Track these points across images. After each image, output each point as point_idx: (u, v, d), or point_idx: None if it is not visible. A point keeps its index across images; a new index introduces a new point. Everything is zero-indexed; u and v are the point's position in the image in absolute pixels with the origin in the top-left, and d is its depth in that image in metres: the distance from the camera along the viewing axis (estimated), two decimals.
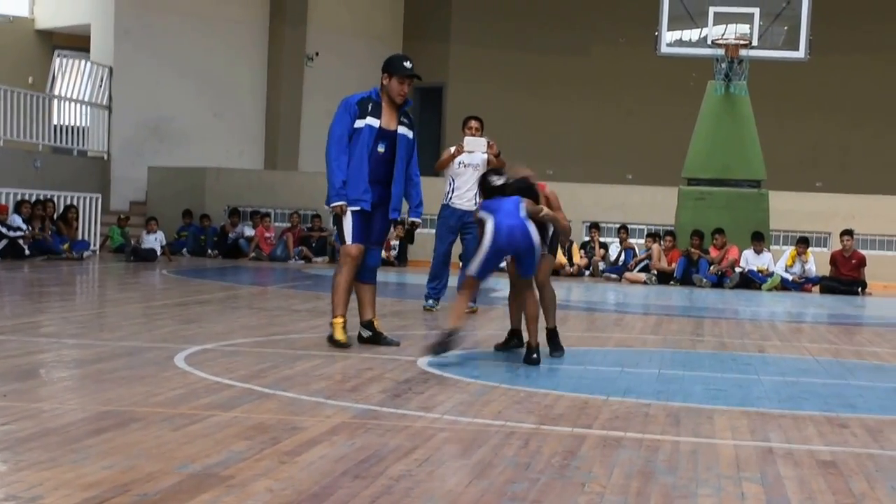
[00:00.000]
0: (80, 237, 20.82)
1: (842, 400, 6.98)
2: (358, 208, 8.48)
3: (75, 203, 21.30)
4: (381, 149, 8.52)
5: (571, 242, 21.84)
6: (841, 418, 6.24)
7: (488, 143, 11.69)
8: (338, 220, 8.56)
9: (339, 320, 8.49)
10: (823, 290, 19.83)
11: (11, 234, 18.82)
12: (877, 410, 6.67)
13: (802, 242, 20.47)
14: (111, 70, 25.06)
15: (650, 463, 4.91)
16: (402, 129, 8.64)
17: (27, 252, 18.90)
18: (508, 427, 5.55)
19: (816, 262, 20.49)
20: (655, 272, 20.53)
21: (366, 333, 8.76)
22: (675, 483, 4.57)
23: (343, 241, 8.60)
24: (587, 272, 21.67)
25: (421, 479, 4.42)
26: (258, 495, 4.07)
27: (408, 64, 8.60)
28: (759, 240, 20.39)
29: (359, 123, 8.46)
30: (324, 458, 4.69)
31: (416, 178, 8.82)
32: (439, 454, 4.91)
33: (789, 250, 20.65)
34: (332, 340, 8.49)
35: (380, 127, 8.51)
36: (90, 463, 4.43)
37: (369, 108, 8.49)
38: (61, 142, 24.24)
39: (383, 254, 21.97)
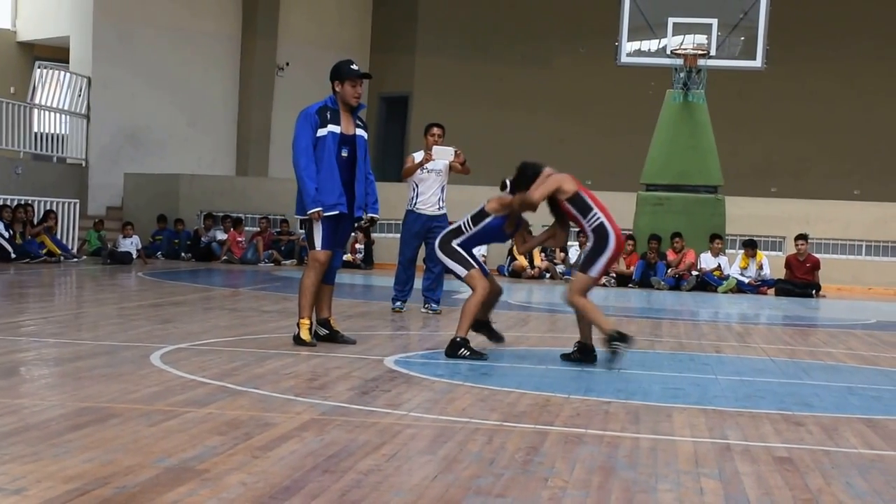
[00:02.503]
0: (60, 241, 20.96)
1: (797, 399, 7.10)
2: (335, 213, 8.68)
3: (54, 208, 21.44)
4: (344, 153, 8.74)
5: None
6: (797, 416, 6.35)
7: (455, 151, 11.81)
8: (308, 227, 8.75)
9: (306, 322, 8.70)
10: (778, 293, 20.07)
11: None
12: (832, 409, 6.78)
13: (749, 246, 20.74)
14: (89, 80, 25.35)
15: (611, 459, 5.00)
16: (358, 132, 8.90)
17: (13, 255, 18.99)
18: (473, 424, 5.65)
19: (771, 266, 20.77)
20: (614, 275, 20.72)
21: (322, 331, 8.96)
22: (635, 478, 4.66)
23: (313, 247, 8.77)
24: (548, 275, 21.84)
25: (389, 474, 4.50)
26: (232, 488, 4.15)
27: (354, 66, 8.85)
28: (717, 239, 20.64)
29: (321, 132, 8.66)
30: (295, 453, 4.77)
31: (371, 177, 9.08)
32: (406, 449, 4.99)
33: (740, 254, 20.92)
34: (298, 340, 8.67)
35: (341, 133, 8.72)
36: (71, 457, 4.51)
37: (328, 116, 8.70)
38: (41, 149, 24.52)
39: (349, 256, 22.36)
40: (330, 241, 8.77)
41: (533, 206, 8.44)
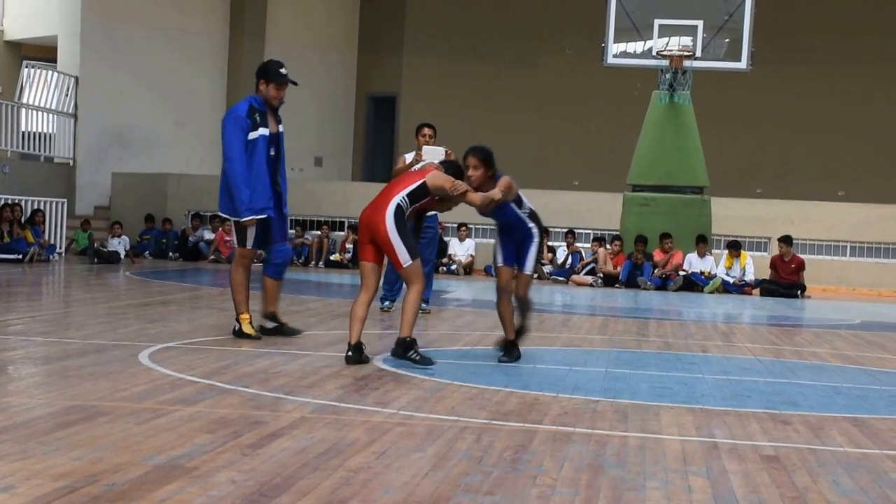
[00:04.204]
0: (47, 240, 20.93)
1: (784, 398, 7.13)
2: (265, 216, 8.89)
3: (42, 208, 21.44)
4: (272, 152, 8.94)
5: None
6: (783, 415, 6.38)
7: (446, 151, 11.82)
8: (240, 227, 8.91)
9: (246, 316, 8.93)
10: (763, 293, 20.15)
11: None
12: (818, 408, 6.81)
13: (733, 247, 20.81)
14: (77, 80, 25.32)
15: (599, 457, 5.02)
16: (280, 128, 9.09)
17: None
18: (462, 422, 5.67)
19: (756, 266, 20.84)
20: (601, 275, 20.78)
21: (269, 325, 9.15)
22: (623, 476, 4.67)
23: (243, 245, 8.96)
24: (535, 275, 21.85)
25: (378, 472, 4.51)
26: (221, 486, 4.15)
27: (284, 70, 9.02)
28: (703, 242, 20.71)
29: (253, 135, 8.81)
30: (285, 451, 4.78)
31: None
32: (396, 447, 5.00)
33: (724, 254, 20.98)
34: (241, 334, 8.87)
35: (269, 133, 8.90)
36: (60, 455, 4.51)
37: (258, 118, 8.85)
38: (29, 148, 24.52)
39: (337, 256, 22.38)
40: (258, 241, 8.96)
41: (495, 203, 8.12)
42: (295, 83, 9.18)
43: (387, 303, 12.17)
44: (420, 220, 8.48)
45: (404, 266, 7.76)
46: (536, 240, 8.43)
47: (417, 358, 7.72)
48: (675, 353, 9.60)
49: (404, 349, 7.76)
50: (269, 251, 9.17)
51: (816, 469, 5.00)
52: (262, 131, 8.83)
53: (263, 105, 8.93)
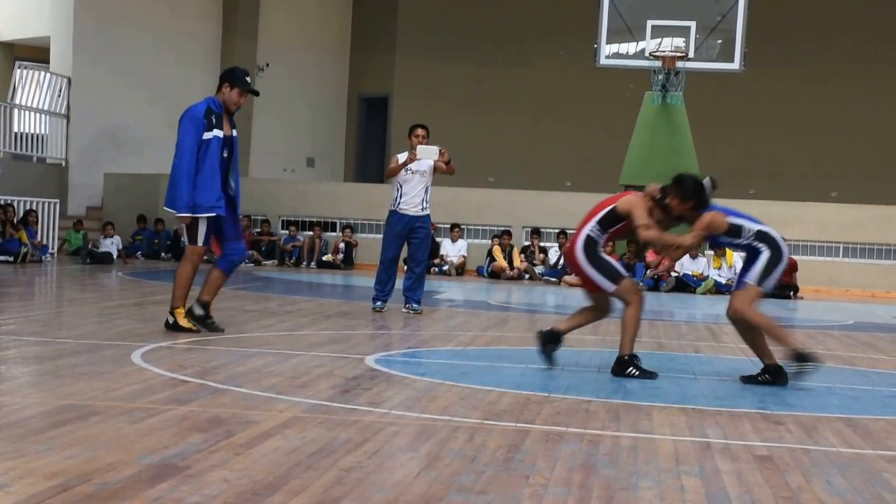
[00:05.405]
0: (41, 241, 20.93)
1: (777, 398, 7.14)
2: (213, 214, 9.07)
3: (34, 208, 21.42)
4: (225, 154, 9.12)
5: (512, 247, 22.08)
6: (776, 416, 6.39)
7: (440, 150, 11.85)
8: (191, 225, 9.13)
9: (182, 310, 9.08)
10: None
11: None
12: (811, 408, 6.83)
13: (717, 247, 20.82)
14: (70, 81, 25.37)
15: (592, 457, 5.02)
16: (234, 133, 9.29)
17: None
18: (454, 422, 5.67)
19: None
20: None
21: (198, 311, 9.23)
22: (616, 476, 4.67)
23: (194, 242, 9.16)
24: (527, 276, 21.89)
25: (371, 471, 4.51)
26: (214, 485, 4.16)
27: (248, 79, 9.29)
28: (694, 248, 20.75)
29: (207, 135, 8.99)
30: (277, 451, 4.78)
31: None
32: (388, 447, 5.00)
33: (710, 255, 20.97)
34: (175, 327, 9.01)
35: (223, 136, 9.08)
36: (53, 453, 4.51)
37: (213, 120, 9.03)
38: (22, 149, 24.57)
39: (330, 257, 22.40)
40: (209, 239, 9.17)
41: (682, 250, 8.23)
42: (256, 93, 9.51)
43: (378, 303, 12.16)
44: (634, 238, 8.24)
45: (611, 292, 7.92)
46: (767, 254, 7.98)
47: (636, 374, 7.71)
48: (667, 353, 9.61)
49: (622, 367, 7.77)
50: (224, 247, 9.32)
51: (810, 469, 5.00)
52: (217, 133, 9.00)
53: (220, 108, 9.11)
